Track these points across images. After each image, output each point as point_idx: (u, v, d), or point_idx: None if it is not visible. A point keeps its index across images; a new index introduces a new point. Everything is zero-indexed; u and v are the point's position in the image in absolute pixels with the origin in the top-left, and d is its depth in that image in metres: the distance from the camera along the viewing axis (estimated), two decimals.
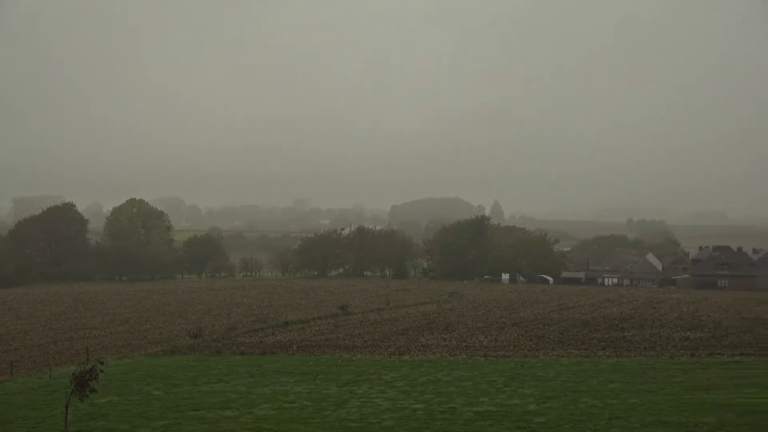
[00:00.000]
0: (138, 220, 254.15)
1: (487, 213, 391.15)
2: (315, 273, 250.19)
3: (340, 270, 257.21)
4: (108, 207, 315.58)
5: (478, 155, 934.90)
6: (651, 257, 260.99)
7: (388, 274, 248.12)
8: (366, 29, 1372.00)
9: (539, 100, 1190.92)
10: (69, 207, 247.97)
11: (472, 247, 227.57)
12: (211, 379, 51.01)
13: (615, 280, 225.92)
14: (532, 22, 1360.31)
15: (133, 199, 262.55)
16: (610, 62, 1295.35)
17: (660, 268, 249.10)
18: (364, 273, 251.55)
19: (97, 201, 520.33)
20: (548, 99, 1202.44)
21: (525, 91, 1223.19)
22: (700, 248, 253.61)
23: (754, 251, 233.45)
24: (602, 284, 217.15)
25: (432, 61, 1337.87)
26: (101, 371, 36.03)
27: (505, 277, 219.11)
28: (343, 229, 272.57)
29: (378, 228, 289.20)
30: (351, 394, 43.83)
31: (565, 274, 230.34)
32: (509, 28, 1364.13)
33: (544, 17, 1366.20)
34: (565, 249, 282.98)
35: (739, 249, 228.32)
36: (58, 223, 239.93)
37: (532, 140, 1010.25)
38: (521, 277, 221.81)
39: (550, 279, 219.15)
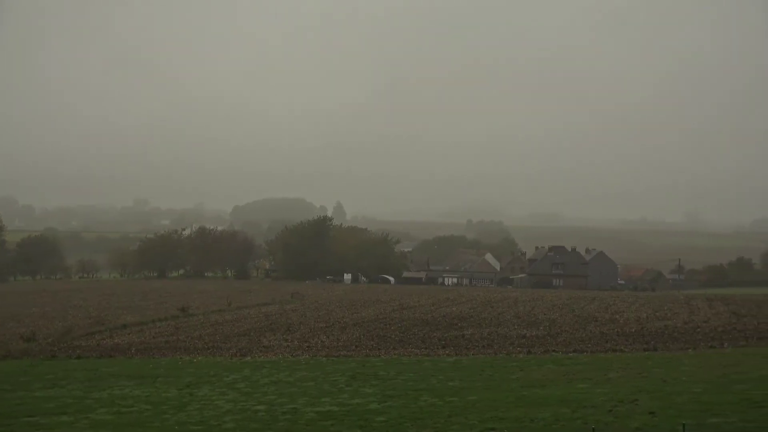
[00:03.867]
0: None
1: (329, 213, 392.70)
2: (155, 274, 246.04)
3: (181, 271, 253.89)
4: None
5: (321, 155, 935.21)
6: (489, 257, 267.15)
7: (229, 274, 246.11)
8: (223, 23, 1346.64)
9: (390, 101, 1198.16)
10: None
11: (315, 247, 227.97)
12: (45, 383, 49.46)
13: (455, 280, 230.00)
14: (400, 21, 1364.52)
15: None
16: (469, 68, 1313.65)
17: (498, 268, 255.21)
18: (206, 274, 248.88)
19: None
20: (398, 101, 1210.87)
21: (377, 92, 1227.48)
22: (537, 248, 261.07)
23: (587, 251, 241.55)
24: (442, 284, 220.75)
25: (285, 58, 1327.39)
26: None
27: (347, 277, 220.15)
28: (183, 230, 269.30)
29: (220, 228, 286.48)
30: (191, 397, 43.19)
31: (406, 274, 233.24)
32: (372, 25, 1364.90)
33: (411, 19, 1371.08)
34: (406, 249, 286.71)
35: (573, 249, 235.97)
36: None
37: (375, 141, 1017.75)
38: (363, 278, 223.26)
39: (392, 279, 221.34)
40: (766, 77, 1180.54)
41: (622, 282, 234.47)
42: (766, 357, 53.74)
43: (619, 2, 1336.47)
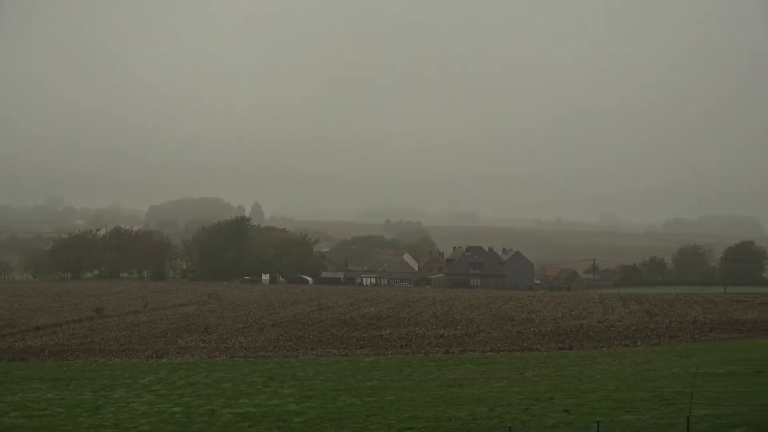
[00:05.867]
0: None
1: (247, 213, 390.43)
2: (69, 275, 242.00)
3: (96, 272, 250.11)
4: None
5: (238, 153, 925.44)
6: (407, 257, 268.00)
7: (146, 275, 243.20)
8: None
9: (311, 102, 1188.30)
10: None
11: (232, 247, 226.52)
12: None
13: (373, 280, 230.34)
14: (334, 19, 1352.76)
15: None
16: (394, 69, 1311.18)
17: (416, 268, 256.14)
18: (121, 275, 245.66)
19: None
20: (321, 101, 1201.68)
21: (302, 92, 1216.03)
22: (454, 248, 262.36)
23: (504, 251, 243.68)
24: (361, 284, 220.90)
25: (204, 54, 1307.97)
26: None
27: (265, 277, 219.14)
28: (98, 230, 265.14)
29: (135, 228, 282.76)
30: (106, 399, 42.61)
31: (324, 274, 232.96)
32: (309, 21, 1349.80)
33: (345, 16, 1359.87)
34: (324, 249, 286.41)
35: (490, 249, 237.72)
36: None
37: (295, 140, 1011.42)
38: (281, 278, 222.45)
39: (310, 279, 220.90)
40: (657, 76, 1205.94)
41: (539, 282, 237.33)
42: (678, 354, 54.88)
43: None
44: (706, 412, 31.85)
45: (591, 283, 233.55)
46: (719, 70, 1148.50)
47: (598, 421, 28.93)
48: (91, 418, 37.29)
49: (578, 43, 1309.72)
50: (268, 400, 40.94)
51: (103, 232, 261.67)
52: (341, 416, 35.93)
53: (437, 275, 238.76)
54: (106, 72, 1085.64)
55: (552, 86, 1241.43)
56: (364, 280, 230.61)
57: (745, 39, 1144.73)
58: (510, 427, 29.85)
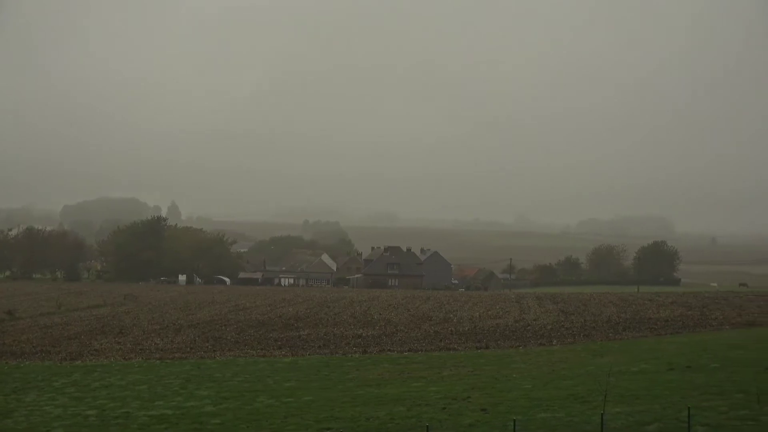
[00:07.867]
0: None
1: (164, 213, 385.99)
2: None
3: (7, 273, 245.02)
4: None
5: (156, 152, 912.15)
6: (326, 257, 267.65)
7: (59, 276, 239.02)
8: None
9: (231, 96, 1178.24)
10: None
11: (148, 248, 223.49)
12: None
13: (291, 281, 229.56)
14: (280, 14, 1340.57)
15: None
16: (315, 67, 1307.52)
17: (335, 268, 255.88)
18: (34, 276, 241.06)
19: None
20: (240, 97, 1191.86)
21: (228, 88, 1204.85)
22: (372, 248, 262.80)
23: (422, 251, 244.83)
24: (279, 284, 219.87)
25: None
26: None
27: (182, 278, 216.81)
28: (10, 230, 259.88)
29: (49, 229, 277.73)
30: (18, 403, 41.80)
31: (242, 275, 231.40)
32: (252, 16, 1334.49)
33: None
34: (242, 250, 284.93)
35: (409, 249, 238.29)
36: None
37: (213, 135, 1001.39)
38: (198, 278, 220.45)
39: (228, 280, 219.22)
40: (579, 85, 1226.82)
41: (456, 281, 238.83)
42: (592, 353, 55.75)
43: None
44: (619, 409, 32.41)
45: (508, 283, 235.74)
46: (643, 76, 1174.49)
47: (514, 420, 29.25)
48: (2, 422, 36.59)
49: (503, 51, 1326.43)
50: (184, 402, 40.59)
51: (15, 232, 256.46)
52: (259, 417, 35.78)
53: (356, 275, 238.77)
54: (21, 68, 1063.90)
55: (475, 92, 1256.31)
56: (282, 280, 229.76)
57: (654, 53, 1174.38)
58: (428, 426, 30.01)
